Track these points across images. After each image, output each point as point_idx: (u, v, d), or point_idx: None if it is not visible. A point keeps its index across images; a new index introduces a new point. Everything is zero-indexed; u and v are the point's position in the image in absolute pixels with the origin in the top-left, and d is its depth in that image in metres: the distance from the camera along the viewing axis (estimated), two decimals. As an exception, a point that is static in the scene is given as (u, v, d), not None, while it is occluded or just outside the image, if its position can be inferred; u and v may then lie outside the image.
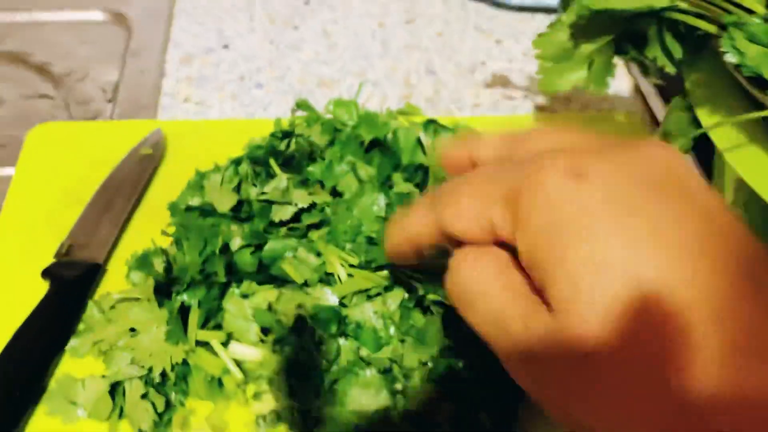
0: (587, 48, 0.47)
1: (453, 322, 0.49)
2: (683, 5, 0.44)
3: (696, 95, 0.47)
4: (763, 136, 0.42)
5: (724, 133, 0.43)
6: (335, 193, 0.57)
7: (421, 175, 0.60)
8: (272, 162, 0.58)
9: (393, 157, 0.60)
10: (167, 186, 0.61)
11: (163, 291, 0.50)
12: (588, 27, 0.46)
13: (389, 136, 0.62)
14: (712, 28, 0.43)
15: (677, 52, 0.48)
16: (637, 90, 0.75)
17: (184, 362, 0.48)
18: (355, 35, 0.82)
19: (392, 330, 0.47)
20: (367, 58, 0.79)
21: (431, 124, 0.62)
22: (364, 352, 0.48)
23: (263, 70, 0.77)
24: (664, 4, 0.43)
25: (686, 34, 0.47)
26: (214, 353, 0.48)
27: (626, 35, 0.47)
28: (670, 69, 0.49)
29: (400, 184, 0.58)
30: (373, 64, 0.78)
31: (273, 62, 0.78)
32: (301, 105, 0.66)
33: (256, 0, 0.86)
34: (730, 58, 0.39)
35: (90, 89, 0.76)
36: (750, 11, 0.41)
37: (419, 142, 0.61)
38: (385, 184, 0.58)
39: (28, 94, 0.76)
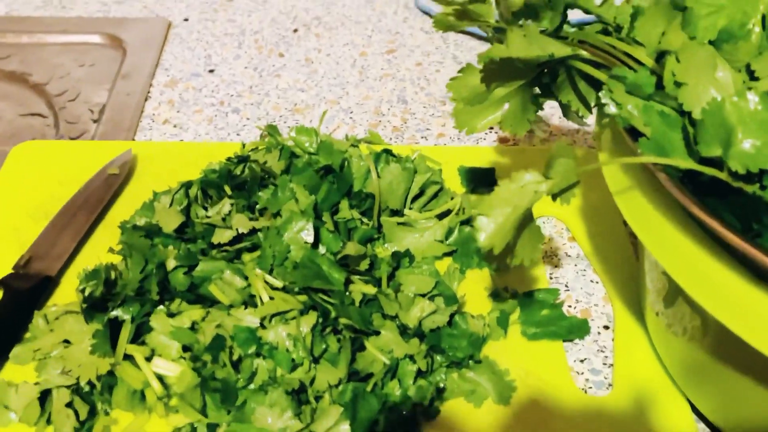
0: (500, 92, 0.49)
1: (362, 347, 0.51)
2: (585, 54, 0.46)
3: (602, 139, 0.48)
4: (644, 181, 0.43)
5: (617, 178, 0.44)
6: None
7: (369, 202, 0.62)
8: (226, 187, 0.61)
9: (344, 183, 0.63)
10: (131, 205, 0.65)
11: (99, 306, 0.53)
12: (499, 72, 0.47)
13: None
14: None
15: (591, 97, 0.49)
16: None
17: (112, 374, 0.51)
18: (336, 63, 0.84)
19: (302, 352, 0.49)
20: (344, 86, 0.81)
21: (383, 154, 0.65)
22: (279, 372, 0.50)
23: (243, 96, 0.80)
24: (566, 54, 0.45)
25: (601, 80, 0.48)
26: (139, 367, 0.51)
27: (540, 80, 0.49)
28: (585, 113, 0.50)
29: (345, 211, 0.61)
30: (348, 92, 0.80)
31: (253, 88, 0.81)
32: (270, 130, 0.69)
33: (247, 28, 0.90)
34: (609, 109, 0.41)
35: (80, 109, 0.80)
36: (640, 63, 0.42)
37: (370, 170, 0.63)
38: (331, 210, 0.61)
39: (24, 112, 0.81)
